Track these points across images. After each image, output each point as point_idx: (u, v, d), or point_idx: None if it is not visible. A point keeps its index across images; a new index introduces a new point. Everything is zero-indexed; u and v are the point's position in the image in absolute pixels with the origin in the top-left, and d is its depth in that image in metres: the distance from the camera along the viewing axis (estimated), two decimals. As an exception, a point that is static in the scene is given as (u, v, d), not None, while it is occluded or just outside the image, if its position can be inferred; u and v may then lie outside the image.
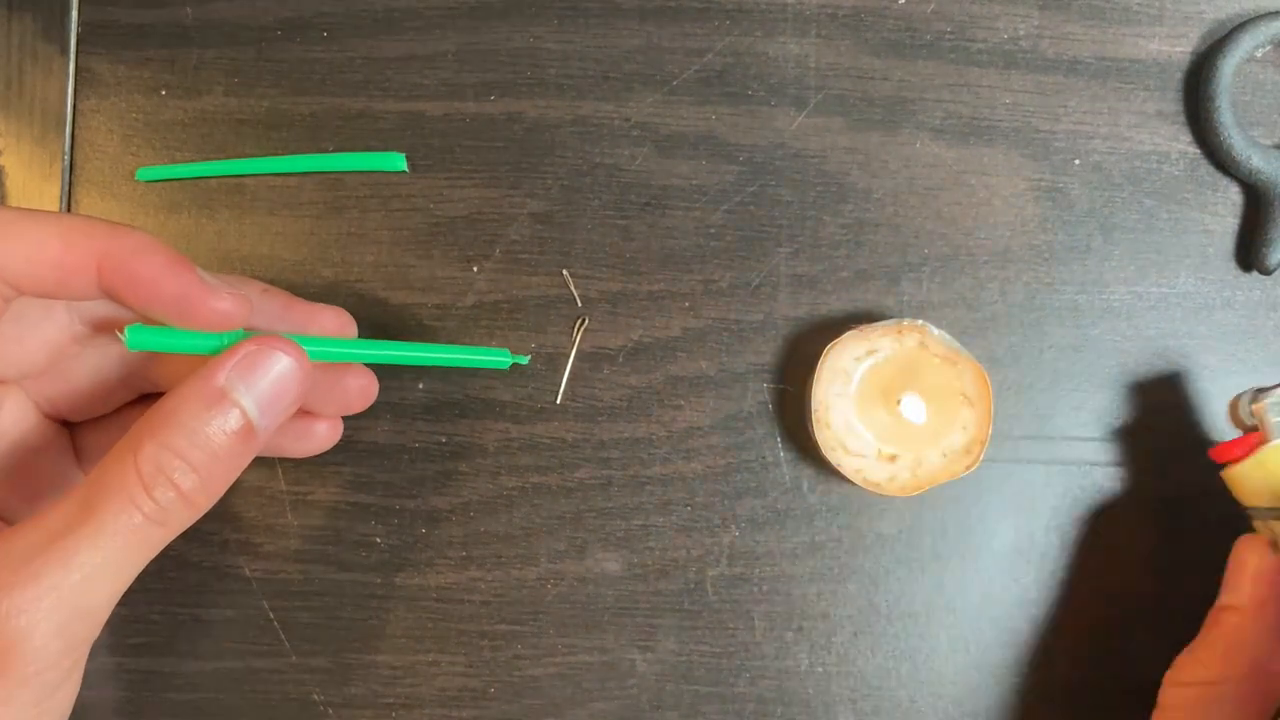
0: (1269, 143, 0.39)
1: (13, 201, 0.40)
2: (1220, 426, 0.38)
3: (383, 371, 0.37)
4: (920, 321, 0.37)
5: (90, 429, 0.36)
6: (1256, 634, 0.33)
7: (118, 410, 0.36)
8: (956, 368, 0.37)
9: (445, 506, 0.39)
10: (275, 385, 0.30)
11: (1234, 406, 0.35)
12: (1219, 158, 0.38)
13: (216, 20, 0.40)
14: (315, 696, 0.39)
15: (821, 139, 0.39)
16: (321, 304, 0.35)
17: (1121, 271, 0.39)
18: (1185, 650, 0.34)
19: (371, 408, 0.37)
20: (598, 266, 0.39)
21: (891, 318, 0.37)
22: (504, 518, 0.39)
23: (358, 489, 0.39)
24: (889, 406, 0.37)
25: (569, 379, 0.39)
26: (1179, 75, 0.39)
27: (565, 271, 0.39)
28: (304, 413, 0.36)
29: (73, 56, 0.40)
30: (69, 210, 0.40)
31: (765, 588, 0.39)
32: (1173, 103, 0.39)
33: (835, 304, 0.39)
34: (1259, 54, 0.39)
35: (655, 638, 0.39)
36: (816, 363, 0.37)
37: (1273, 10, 0.38)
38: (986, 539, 0.39)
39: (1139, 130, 0.39)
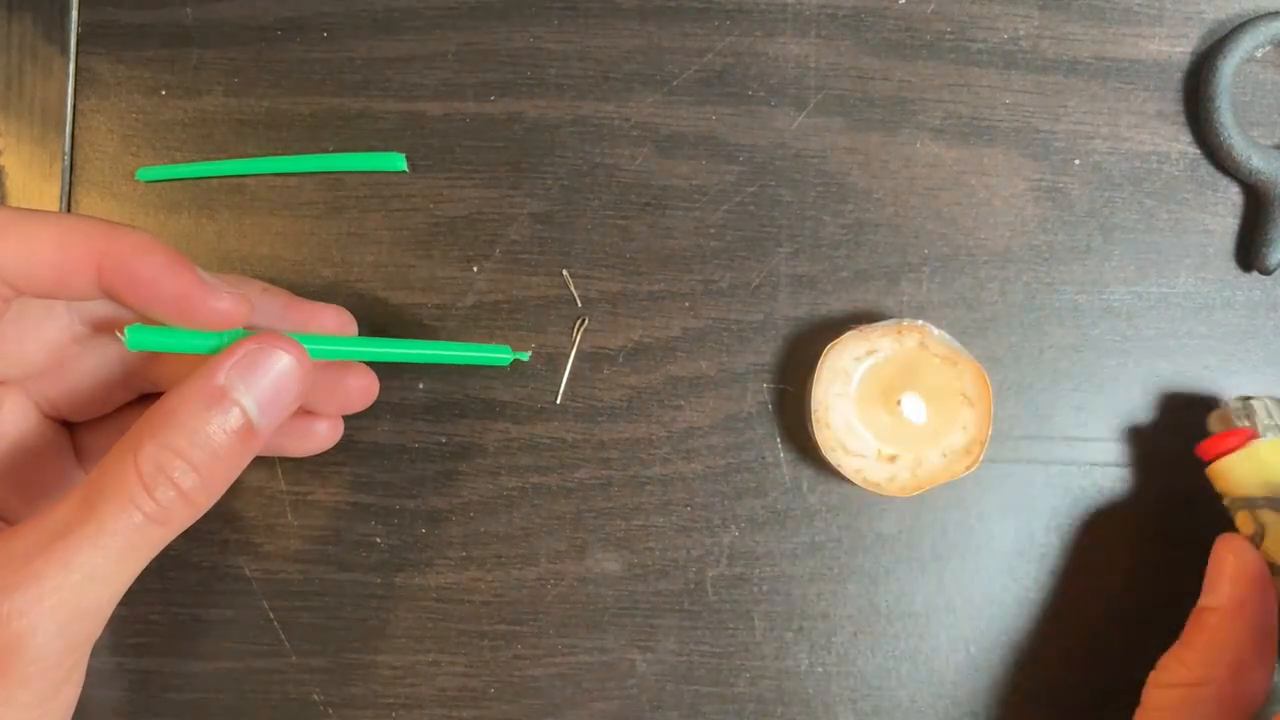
0: (1269, 143, 0.39)
1: (13, 202, 0.40)
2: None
3: (383, 371, 0.37)
4: (920, 321, 0.37)
5: (90, 429, 0.36)
6: (1237, 634, 0.33)
7: (118, 410, 0.36)
8: (956, 368, 0.37)
9: (445, 506, 0.39)
10: (275, 384, 0.30)
11: (1221, 417, 0.35)
12: (1219, 158, 0.38)
13: (216, 20, 0.40)
14: (315, 696, 0.39)
15: (821, 139, 0.39)
16: (322, 303, 0.35)
17: (1121, 271, 0.39)
18: (1169, 651, 0.34)
19: (372, 408, 0.37)
20: (598, 266, 0.39)
21: (891, 318, 0.37)
22: (504, 518, 0.39)
23: (358, 489, 0.39)
24: (889, 406, 0.37)
25: (569, 379, 0.39)
26: (1179, 75, 0.39)
27: (565, 271, 0.39)
28: (304, 412, 0.36)
29: (73, 56, 0.40)
30: (69, 210, 0.40)
31: (765, 588, 0.39)
32: (1173, 103, 0.39)
33: (835, 304, 0.39)
34: (1259, 54, 0.39)
35: (655, 638, 0.39)
36: (816, 363, 0.37)
37: (1273, 10, 0.38)
38: (986, 539, 0.39)
39: (1139, 130, 0.39)
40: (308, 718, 0.39)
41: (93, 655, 0.29)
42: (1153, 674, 0.34)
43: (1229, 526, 0.35)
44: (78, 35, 0.40)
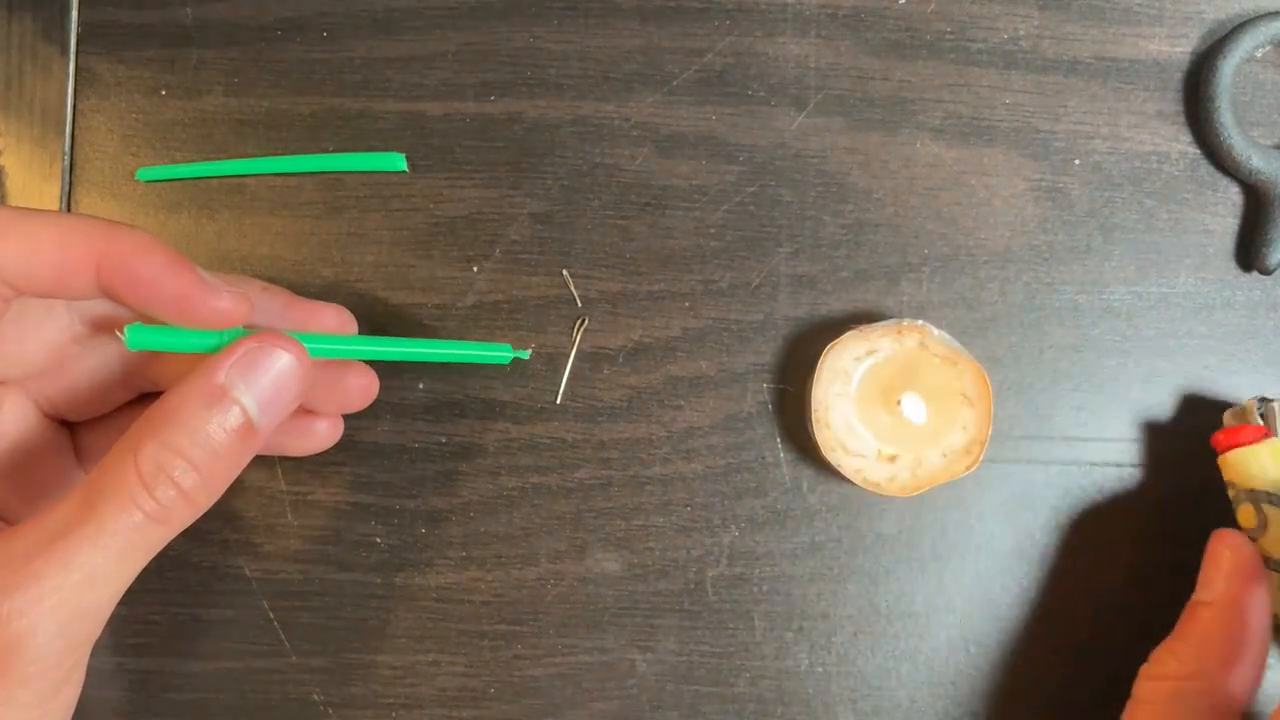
0: (1269, 143, 0.39)
1: (13, 201, 0.40)
2: (1219, 425, 0.38)
3: (383, 371, 0.37)
4: (920, 321, 0.37)
5: (90, 428, 0.36)
6: (1231, 629, 0.33)
7: (118, 409, 0.36)
8: (956, 368, 0.37)
9: (445, 506, 0.39)
10: (275, 382, 0.30)
11: (1237, 413, 0.36)
12: (1219, 158, 0.38)
13: (216, 20, 0.40)
14: (315, 696, 0.39)
15: (821, 139, 0.39)
16: (322, 302, 0.35)
17: (1121, 271, 0.39)
18: (1161, 644, 0.34)
19: (371, 408, 0.37)
20: (598, 266, 0.39)
21: (891, 318, 0.37)
22: (504, 518, 0.39)
23: (358, 489, 0.39)
24: (889, 406, 0.37)
25: (569, 379, 0.39)
26: (1179, 75, 0.39)
27: (565, 271, 0.39)
28: (305, 411, 0.36)
29: (73, 56, 0.40)
30: (69, 210, 0.40)
31: (765, 588, 0.39)
32: (1173, 103, 0.39)
33: (835, 304, 0.39)
34: (1259, 54, 0.39)
35: (655, 638, 0.39)
36: (816, 363, 0.37)
37: (1273, 10, 0.38)
38: (986, 539, 0.39)
39: (1139, 130, 0.39)
40: (308, 718, 0.39)
41: (93, 655, 0.29)
42: (1144, 667, 0.34)
43: (1230, 525, 0.35)
44: (78, 35, 0.40)
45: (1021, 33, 0.39)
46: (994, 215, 0.39)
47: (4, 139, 0.41)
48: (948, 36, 0.39)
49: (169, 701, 0.39)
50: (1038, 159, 0.39)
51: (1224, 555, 0.34)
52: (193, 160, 0.40)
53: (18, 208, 0.30)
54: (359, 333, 0.36)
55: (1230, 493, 0.35)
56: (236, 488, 0.38)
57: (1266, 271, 0.38)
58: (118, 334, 0.30)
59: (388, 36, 0.40)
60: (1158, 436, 0.38)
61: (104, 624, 0.29)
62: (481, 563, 0.39)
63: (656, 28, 0.40)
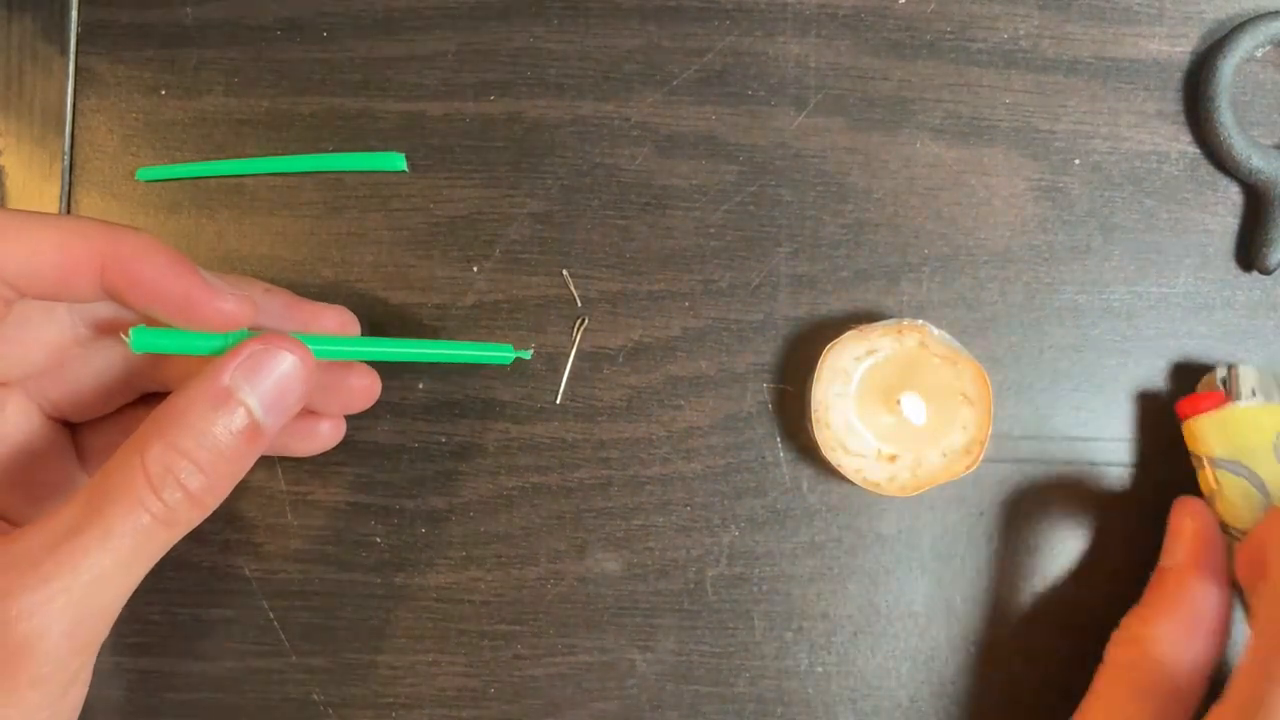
0: (1269, 143, 0.39)
1: (13, 202, 0.40)
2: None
3: (383, 371, 0.37)
4: (920, 321, 0.37)
5: (92, 429, 0.36)
6: (1193, 592, 0.34)
7: (119, 410, 0.36)
8: (956, 368, 0.37)
9: (445, 506, 0.39)
10: (280, 384, 0.30)
11: (1208, 380, 0.36)
12: (1219, 158, 0.38)
13: (216, 20, 0.40)
14: (315, 696, 0.39)
15: (821, 139, 0.39)
16: (324, 304, 0.35)
17: (1121, 271, 0.39)
18: (1130, 610, 0.35)
19: (372, 408, 0.37)
20: (598, 266, 0.39)
21: (891, 318, 0.37)
22: (504, 518, 0.39)
23: (358, 489, 0.39)
24: (889, 406, 0.37)
25: (569, 379, 0.39)
26: (1179, 75, 0.39)
27: (565, 271, 0.39)
28: (307, 412, 0.36)
29: (73, 56, 0.40)
30: (69, 210, 0.40)
31: (765, 588, 0.39)
32: (1173, 103, 0.39)
33: (835, 304, 0.39)
34: (1259, 54, 0.39)
35: (655, 638, 0.39)
36: (816, 363, 0.37)
37: (1273, 10, 0.38)
38: (986, 539, 0.39)
39: (1139, 130, 0.39)
40: (308, 718, 0.39)
41: (94, 655, 0.29)
42: (1115, 633, 0.35)
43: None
44: (77, 35, 0.40)
45: (1021, 32, 0.39)
46: (994, 215, 0.39)
47: (4, 139, 0.40)
48: (948, 36, 0.39)
49: (169, 701, 0.39)
50: (1038, 159, 0.39)
51: (1185, 523, 0.35)
52: (193, 160, 0.40)
53: (20, 210, 0.30)
54: (359, 333, 0.36)
55: (1193, 460, 0.36)
56: (237, 488, 0.38)
57: (1266, 271, 0.38)
58: (122, 336, 0.30)
59: (388, 36, 0.40)
60: (1157, 436, 0.38)
61: (111, 625, 0.29)
62: (481, 563, 0.39)
63: (656, 28, 0.40)
